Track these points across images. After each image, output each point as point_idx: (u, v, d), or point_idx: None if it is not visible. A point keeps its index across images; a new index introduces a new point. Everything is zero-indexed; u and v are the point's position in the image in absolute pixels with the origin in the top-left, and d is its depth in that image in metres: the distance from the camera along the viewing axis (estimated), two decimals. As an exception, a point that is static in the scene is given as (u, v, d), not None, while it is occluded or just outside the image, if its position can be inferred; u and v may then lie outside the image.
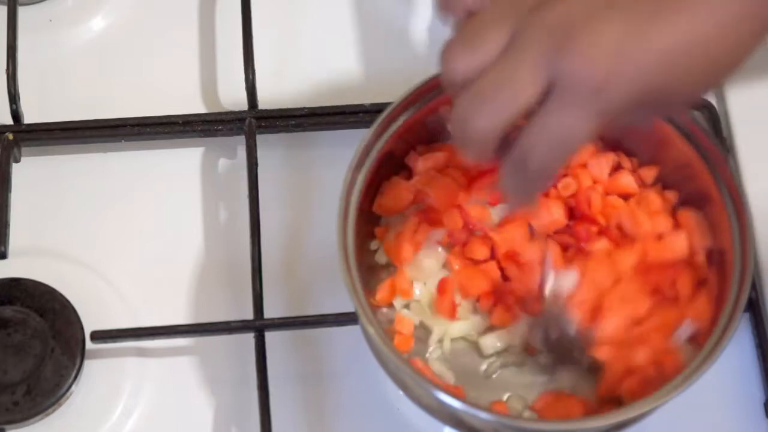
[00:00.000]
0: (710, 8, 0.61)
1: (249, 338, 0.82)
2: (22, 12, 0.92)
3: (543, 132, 0.63)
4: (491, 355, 0.79)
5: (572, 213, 0.80)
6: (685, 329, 0.76)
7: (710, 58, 0.62)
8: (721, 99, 0.91)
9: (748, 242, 0.74)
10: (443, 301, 0.78)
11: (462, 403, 0.70)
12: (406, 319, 0.79)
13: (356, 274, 0.73)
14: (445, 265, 0.80)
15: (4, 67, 0.89)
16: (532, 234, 0.79)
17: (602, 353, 0.76)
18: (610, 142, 0.81)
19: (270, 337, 0.82)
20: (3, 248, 0.84)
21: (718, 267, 0.77)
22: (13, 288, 0.82)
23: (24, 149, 0.89)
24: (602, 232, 0.79)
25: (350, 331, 0.79)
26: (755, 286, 0.83)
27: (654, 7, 0.61)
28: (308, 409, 0.82)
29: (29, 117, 0.89)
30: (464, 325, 0.79)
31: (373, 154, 0.77)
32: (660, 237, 0.78)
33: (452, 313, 0.78)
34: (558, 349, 0.78)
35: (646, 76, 0.61)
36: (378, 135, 0.78)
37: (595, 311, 0.76)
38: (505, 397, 0.78)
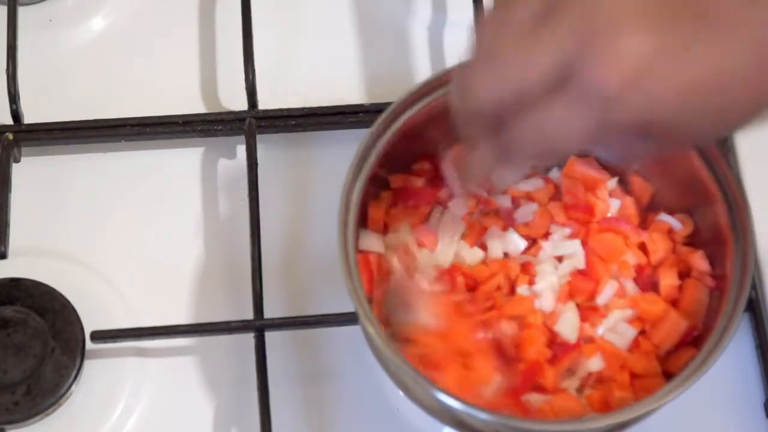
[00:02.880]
0: (746, 46, 0.58)
1: (249, 338, 0.82)
2: (22, 12, 0.92)
3: (539, 120, 0.60)
4: None
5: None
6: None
7: (731, 99, 0.59)
8: (721, 99, 0.91)
9: (748, 242, 0.74)
10: None
11: (462, 403, 0.70)
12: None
13: (356, 275, 0.73)
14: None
15: (4, 67, 0.89)
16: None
17: None
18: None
19: (270, 337, 0.82)
20: (3, 248, 0.84)
21: (718, 267, 0.77)
22: (13, 288, 0.82)
23: (24, 149, 0.89)
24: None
25: (350, 331, 0.79)
26: (755, 286, 0.83)
27: (693, 30, 0.58)
28: (308, 409, 0.82)
29: (29, 117, 0.89)
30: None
31: (374, 154, 0.77)
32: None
33: None
34: None
35: (660, 104, 0.59)
36: (379, 135, 0.77)
37: None
38: None
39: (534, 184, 0.82)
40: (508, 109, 0.62)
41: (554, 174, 0.82)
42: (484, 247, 0.80)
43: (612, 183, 0.82)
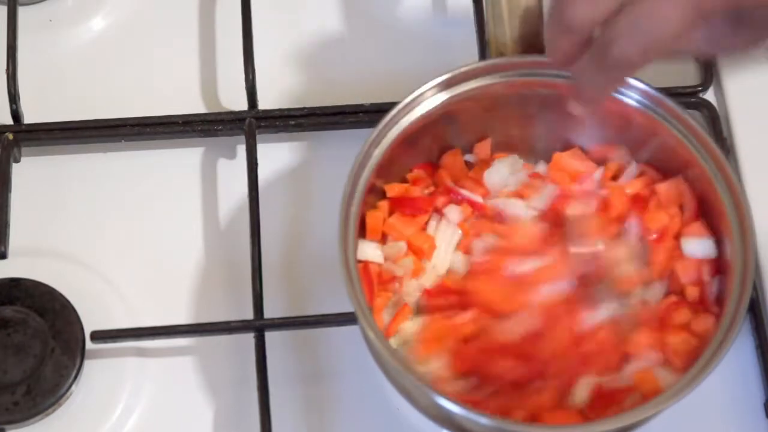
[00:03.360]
0: None
1: (249, 338, 0.82)
2: (22, 12, 0.92)
3: (633, 19, 0.64)
4: None
5: None
6: None
7: None
8: (721, 99, 0.91)
9: (749, 243, 0.74)
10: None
11: (462, 408, 0.70)
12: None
13: (356, 276, 0.73)
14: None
15: (4, 67, 0.89)
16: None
17: None
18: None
19: (270, 337, 0.82)
20: (3, 248, 0.84)
21: (719, 268, 0.77)
22: (13, 288, 0.82)
23: (24, 149, 0.89)
24: None
25: (350, 331, 0.79)
26: (755, 287, 0.83)
27: None
28: (308, 409, 0.82)
29: (29, 117, 0.89)
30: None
31: (371, 164, 0.77)
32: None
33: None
34: None
35: None
36: (375, 144, 0.77)
37: None
38: None
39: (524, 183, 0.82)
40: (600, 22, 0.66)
41: (541, 168, 0.83)
42: None
43: (599, 173, 0.82)
